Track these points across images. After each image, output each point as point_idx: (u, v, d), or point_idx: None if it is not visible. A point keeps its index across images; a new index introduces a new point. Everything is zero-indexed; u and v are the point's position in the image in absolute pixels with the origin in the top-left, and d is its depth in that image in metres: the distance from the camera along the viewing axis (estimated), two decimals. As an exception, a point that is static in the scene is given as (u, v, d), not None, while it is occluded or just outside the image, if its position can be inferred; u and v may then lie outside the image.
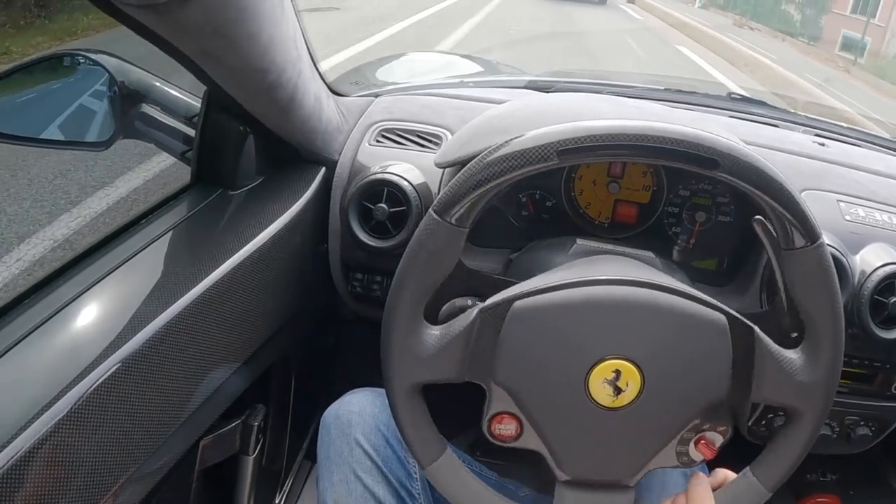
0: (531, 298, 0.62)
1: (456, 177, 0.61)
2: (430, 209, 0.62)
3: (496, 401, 0.65)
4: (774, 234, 0.63)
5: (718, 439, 0.66)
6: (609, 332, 0.62)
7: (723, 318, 0.62)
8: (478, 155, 0.62)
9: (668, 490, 1.01)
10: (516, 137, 0.60)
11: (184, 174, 0.98)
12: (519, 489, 1.05)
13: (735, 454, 0.76)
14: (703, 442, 0.66)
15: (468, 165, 0.61)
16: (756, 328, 0.63)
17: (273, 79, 0.76)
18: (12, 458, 0.55)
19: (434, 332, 0.64)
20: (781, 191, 0.59)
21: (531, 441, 0.67)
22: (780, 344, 0.64)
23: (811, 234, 0.60)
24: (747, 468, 0.69)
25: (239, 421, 1.00)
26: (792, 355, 0.64)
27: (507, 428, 0.66)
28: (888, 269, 0.89)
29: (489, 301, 0.64)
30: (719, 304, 0.63)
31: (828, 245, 0.88)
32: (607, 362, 0.62)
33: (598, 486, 0.67)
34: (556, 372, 0.63)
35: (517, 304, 0.62)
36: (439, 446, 0.68)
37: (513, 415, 0.66)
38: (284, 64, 0.76)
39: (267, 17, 0.68)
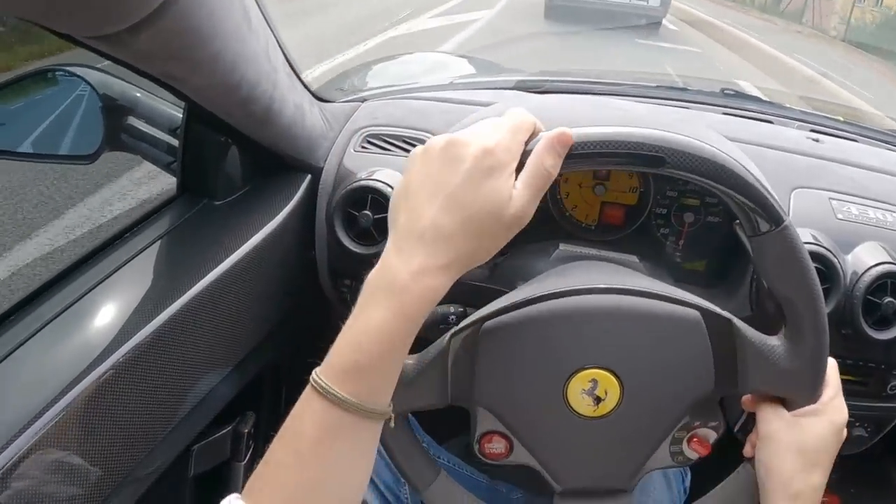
0: (500, 318, 0.62)
1: None
2: None
3: (482, 421, 0.65)
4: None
5: (712, 435, 0.65)
6: (580, 343, 0.61)
7: (696, 313, 0.61)
8: None
9: (671, 481, 1.01)
10: None
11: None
12: (512, 491, 1.05)
13: (731, 452, 0.75)
14: (696, 440, 0.65)
15: None
16: (734, 319, 0.61)
17: (246, 93, 0.76)
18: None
19: (409, 361, 0.64)
20: (735, 178, 0.56)
21: (522, 457, 0.66)
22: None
23: (774, 218, 0.58)
24: (745, 461, 0.68)
25: (229, 428, 1.01)
26: (774, 342, 0.62)
27: (496, 447, 0.66)
28: (881, 268, 0.87)
29: (461, 325, 0.64)
30: (691, 299, 0.62)
31: (814, 243, 0.86)
32: (582, 373, 0.61)
33: (596, 494, 0.67)
34: (533, 388, 0.62)
35: (487, 324, 0.62)
36: (433, 470, 0.68)
37: (501, 433, 0.65)
38: (257, 77, 0.76)
39: (231, 36, 0.68)
